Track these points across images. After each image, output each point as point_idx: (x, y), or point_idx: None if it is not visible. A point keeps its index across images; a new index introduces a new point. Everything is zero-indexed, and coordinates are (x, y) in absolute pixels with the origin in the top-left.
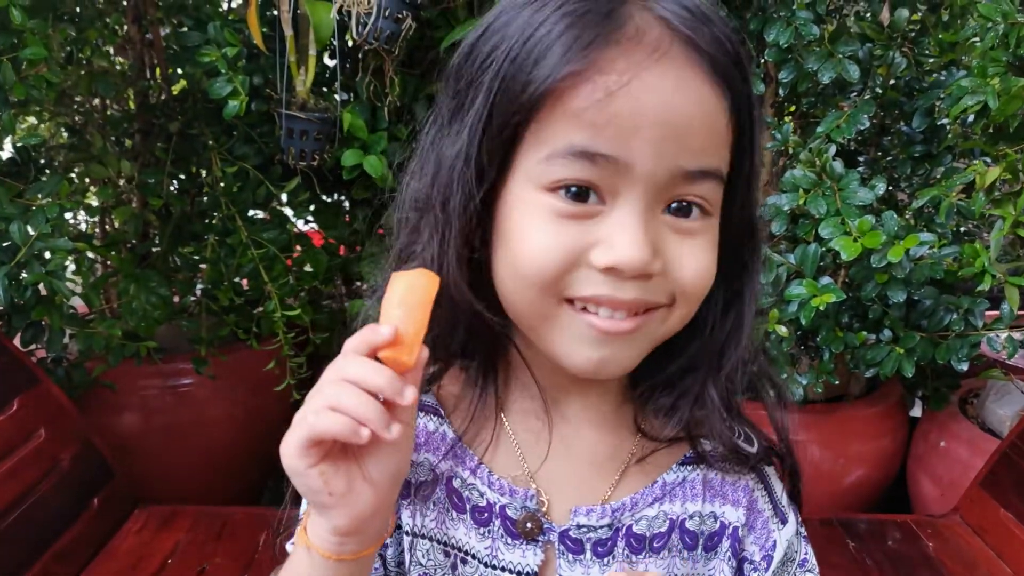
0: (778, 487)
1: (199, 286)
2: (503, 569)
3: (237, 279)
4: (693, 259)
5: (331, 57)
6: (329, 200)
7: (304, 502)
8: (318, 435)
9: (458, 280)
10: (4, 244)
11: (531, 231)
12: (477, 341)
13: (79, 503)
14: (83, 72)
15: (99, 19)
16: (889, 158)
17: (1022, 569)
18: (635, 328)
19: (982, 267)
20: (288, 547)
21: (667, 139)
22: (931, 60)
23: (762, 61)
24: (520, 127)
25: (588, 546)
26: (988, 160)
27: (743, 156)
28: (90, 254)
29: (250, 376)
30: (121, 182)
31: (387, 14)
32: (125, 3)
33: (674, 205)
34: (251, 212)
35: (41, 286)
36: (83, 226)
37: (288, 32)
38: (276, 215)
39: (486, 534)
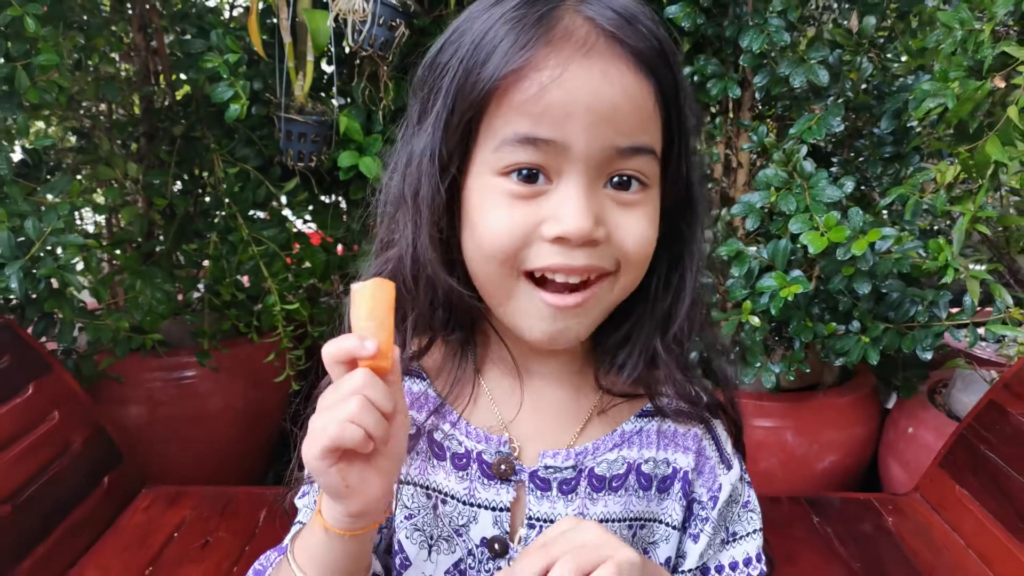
0: (724, 437)
1: (202, 283)
2: (479, 506)
3: (238, 276)
4: (634, 227)
5: (328, 63)
6: (326, 200)
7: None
8: (337, 445)
9: (432, 261)
10: (18, 240)
11: (490, 212)
12: (455, 315)
13: (90, 482)
14: (91, 78)
15: (106, 27)
16: (861, 159)
17: (974, 541)
18: (583, 301)
19: (945, 261)
20: (296, 502)
21: (598, 122)
22: (896, 65)
23: (739, 67)
24: (474, 122)
25: (555, 484)
26: (952, 160)
27: (673, 135)
28: (98, 252)
29: (250, 369)
30: (127, 183)
31: (381, 22)
32: (131, 12)
33: (615, 179)
34: (252, 211)
35: (53, 280)
36: (90, 227)
37: (287, 39)
38: (275, 214)
39: (464, 477)
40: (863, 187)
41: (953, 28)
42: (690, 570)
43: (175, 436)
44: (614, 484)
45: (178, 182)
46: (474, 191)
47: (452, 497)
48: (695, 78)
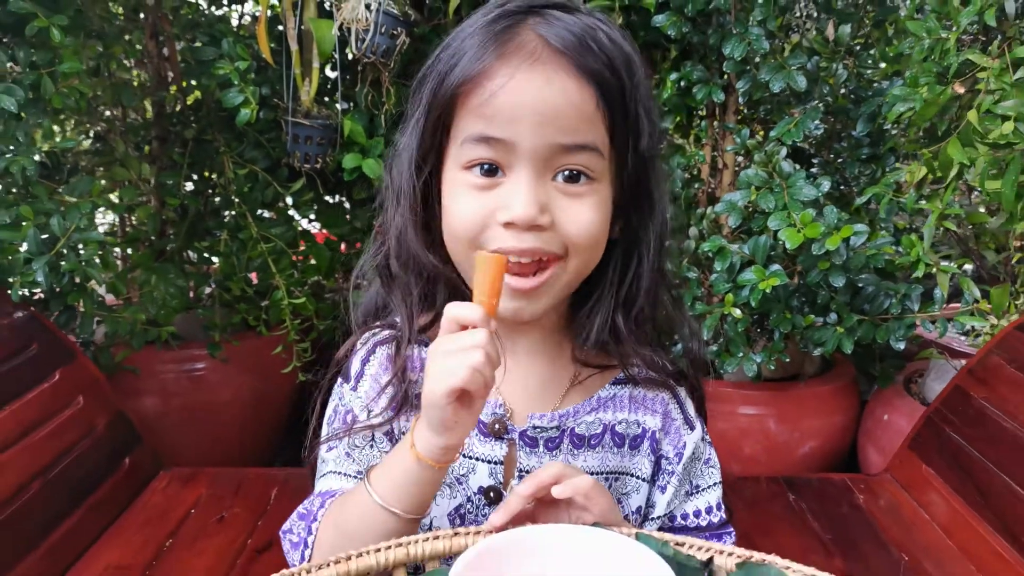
0: (687, 403)
1: (212, 278)
2: (477, 459)
3: (247, 272)
4: (579, 215)
5: (333, 69)
6: (331, 200)
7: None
8: (464, 387)
9: (415, 243)
10: (43, 237)
11: (456, 200)
12: (452, 295)
13: (112, 463)
14: (108, 84)
15: (122, 36)
16: (840, 160)
17: (937, 515)
18: (538, 285)
19: (917, 257)
20: (325, 454)
21: (542, 122)
22: (869, 72)
23: (723, 73)
24: (443, 123)
25: (541, 442)
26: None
27: (619, 134)
28: (114, 250)
29: (258, 361)
30: (141, 184)
31: (383, 30)
32: (143, 20)
33: (567, 172)
34: (260, 211)
35: (75, 276)
36: (103, 227)
37: (294, 47)
38: (282, 214)
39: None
40: (842, 187)
41: (921, 37)
42: (658, 517)
43: (187, 425)
44: (592, 442)
45: (189, 183)
46: (447, 183)
47: (456, 457)
48: (682, 83)
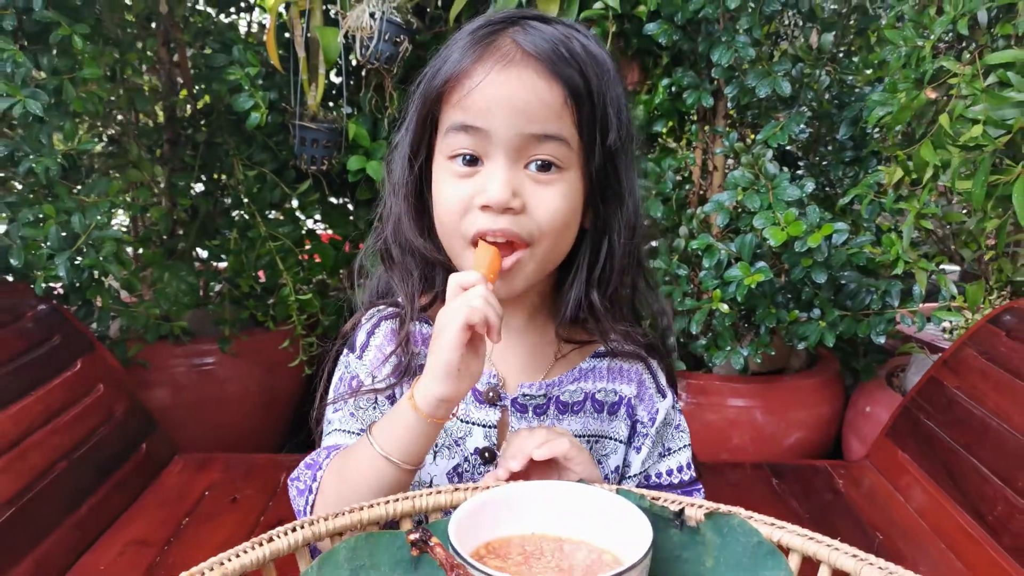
0: (659, 373)
1: (222, 276)
2: (473, 423)
3: (256, 270)
4: (547, 200)
5: (338, 75)
6: (336, 201)
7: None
8: (469, 322)
9: (410, 229)
10: (63, 234)
11: (442, 189)
12: (447, 275)
13: (129, 447)
14: (123, 89)
15: (136, 43)
16: (825, 163)
17: (911, 497)
18: (511, 266)
19: (897, 254)
20: (331, 415)
21: (513, 114)
22: (851, 78)
23: (712, 79)
24: (431, 118)
25: (530, 408)
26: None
27: (587, 128)
28: (128, 249)
29: (266, 356)
30: (153, 186)
31: (387, 38)
32: (155, 28)
33: (538, 162)
34: (267, 211)
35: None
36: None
37: (301, 54)
38: (289, 214)
39: (461, 401)
40: (827, 188)
41: (899, 45)
42: (634, 475)
43: (197, 417)
44: (575, 408)
45: (199, 184)
46: (435, 172)
47: (452, 416)
48: (673, 89)
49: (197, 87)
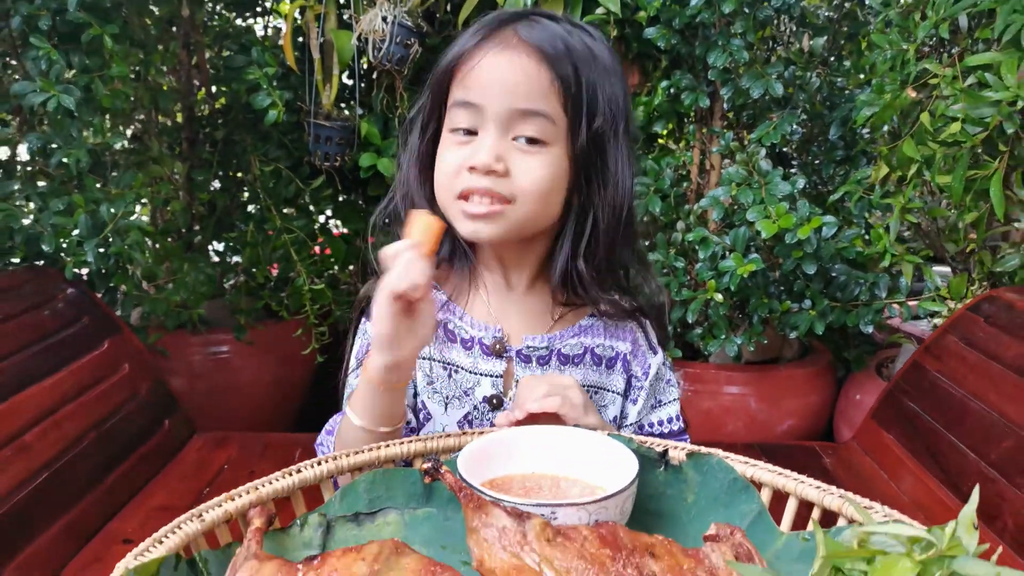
0: (651, 332)
1: (239, 266)
2: (481, 374)
3: (271, 262)
4: (530, 169)
5: (350, 78)
6: (347, 198)
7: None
8: (395, 290)
9: (418, 190)
10: (91, 223)
11: (443, 155)
12: (453, 242)
13: (153, 423)
14: (146, 89)
15: (159, 45)
16: (817, 162)
17: (894, 474)
18: (488, 213)
19: (884, 248)
20: (351, 381)
21: (504, 91)
22: (840, 80)
23: (709, 81)
24: (440, 96)
25: (534, 359)
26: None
27: (573, 110)
28: (148, 241)
29: (280, 345)
30: (174, 181)
31: (398, 40)
32: (175, 31)
33: (526, 136)
34: (282, 207)
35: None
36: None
37: (316, 55)
38: (303, 208)
39: (470, 354)
40: (819, 186)
41: (885, 48)
42: (630, 425)
43: (212, 404)
44: (575, 361)
45: (217, 181)
46: (441, 143)
47: (462, 368)
48: (671, 91)
49: (216, 88)
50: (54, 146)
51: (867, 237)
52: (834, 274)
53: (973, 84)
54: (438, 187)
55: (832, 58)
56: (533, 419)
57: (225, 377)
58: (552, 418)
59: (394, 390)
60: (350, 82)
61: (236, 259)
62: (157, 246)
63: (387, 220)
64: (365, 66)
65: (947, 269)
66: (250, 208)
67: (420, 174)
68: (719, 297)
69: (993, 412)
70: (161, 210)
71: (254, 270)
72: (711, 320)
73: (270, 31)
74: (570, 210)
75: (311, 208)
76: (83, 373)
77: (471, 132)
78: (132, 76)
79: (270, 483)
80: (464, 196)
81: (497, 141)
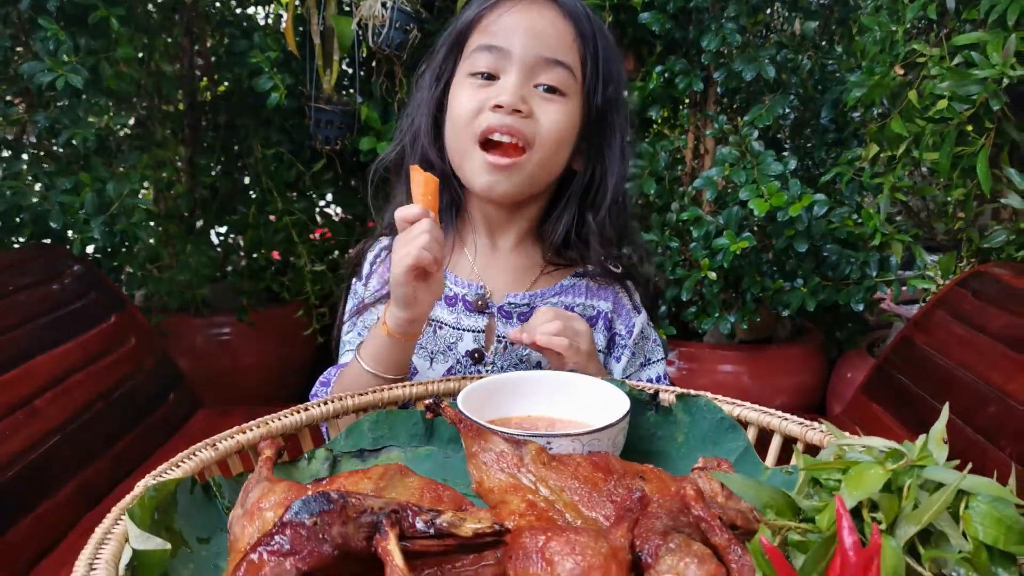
0: (634, 293)
1: (241, 248)
2: (464, 329)
3: (273, 244)
4: (550, 113)
5: (351, 61)
6: (346, 184)
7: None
8: (417, 264)
9: (426, 136)
10: (98, 202)
11: (460, 97)
12: (449, 196)
13: (159, 395)
14: (150, 74)
15: (162, 31)
16: (809, 145)
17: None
18: (512, 164)
19: (875, 227)
20: (344, 337)
21: (531, 38)
22: (831, 63)
23: (703, 65)
24: (458, 45)
25: (515, 315)
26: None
27: (590, 67)
28: (151, 223)
29: (280, 328)
30: (177, 164)
31: (397, 26)
32: (178, 19)
33: (545, 86)
34: (283, 191)
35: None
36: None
37: (317, 41)
38: (304, 191)
39: (453, 310)
40: (812, 169)
41: (874, 30)
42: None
43: (215, 384)
44: None
45: (219, 166)
46: (454, 89)
47: (445, 324)
48: (666, 75)
49: (218, 74)
50: (60, 126)
51: (859, 220)
52: (825, 253)
53: (960, 63)
54: (454, 128)
55: (824, 42)
56: (535, 346)
57: (227, 358)
58: (552, 356)
59: (408, 341)
60: (350, 70)
61: (239, 241)
62: (161, 229)
63: (387, 169)
64: (365, 52)
65: (934, 258)
66: (252, 192)
67: (430, 123)
68: (712, 275)
69: (979, 381)
70: (164, 194)
71: (255, 255)
72: (705, 299)
73: (271, 20)
74: (571, 173)
75: (312, 192)
76: (91, 345)
77: (491, 77)
78: (136, 60)
79: (279, 419)
80: (485, 139)
81: (522, 84)
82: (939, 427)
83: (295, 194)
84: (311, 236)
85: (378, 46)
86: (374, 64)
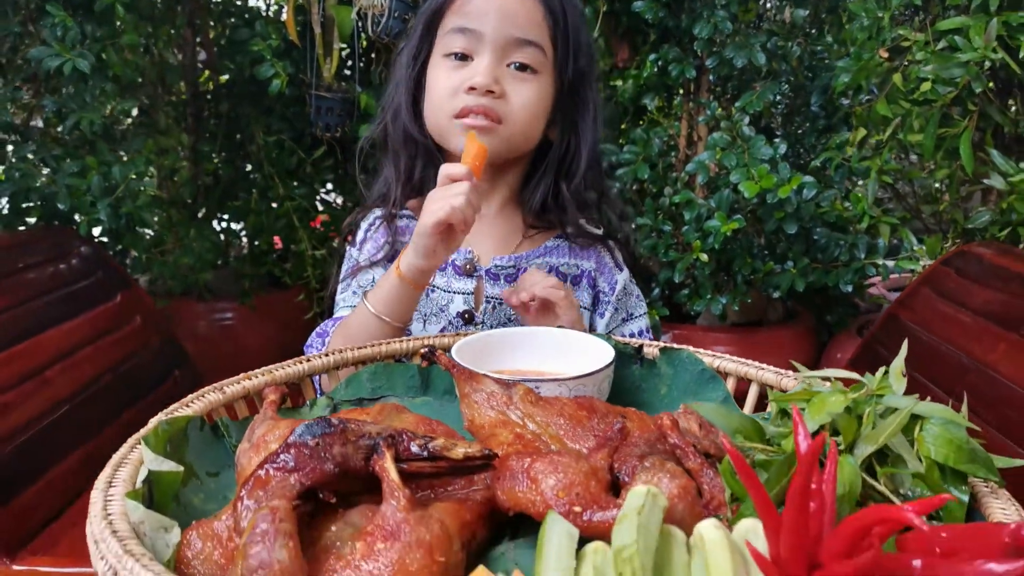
0: (616, 252)
1: (243, 232)
2: (454, 292)
3: (275, 230)
4: (521, 93)
5: (350, 50)
6: (346, 172)
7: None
8: (448, 220)
9: (407, 115)
10: (105, 185)
11: (437, 78)
12: (433, 172)
13: (165, 372)
14: (154, 63)
15: (166, 20)
16: (800, 132)
17: None
18: (487, 127)
19: (863, 210)
20: (337, 297)
21: (503, 19)
22: (820, 49)
23: (697, 53)
24: (433, 26)
25: (502, 276)
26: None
27: (560, 44)
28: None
29: (281, 313)
30: (180, 151)
31: (396, 15)
32: (180, 9)
33: (517, 64)
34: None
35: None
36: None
37: (317, 30)
38: (305, 178)
39: (444, 275)
40: (802, 155)
41: (860, 16)
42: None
43: (217, 368)
44: None
45: (222, 153)
46: (431, 70)
47: (437, 287)
48: (659, 63)
49: (220, 63)
50: (67, 110)
51: (847, 204)
52: (815, 237)
53: (944, 48)
54: (432, 108)
55: (813, 31)
56: (523, 308)
57: (230, 342)
58: (543, 315)
59: (417, 288)
60: (350, 59)
61: (240, 229)
62: (165, 215)
63: (372, 145)
64: (364, 42)
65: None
66: (254, 177)
67: (410, 101)
68: (704, 257)
69: (961, 354)
70: (168, 181)
71: (256, 242)
72: (697, 281)
73: (272, 11)
74: (548, 144)
75: (313, 178)
76: (98, 321)
77: (465, 57)
78: (141, 49)
79: (283, 368)
80: (461, 115)
81: (494, 65)
82: (898, 362)
83: (296, 181)
84: (312, 224)
85: (377, 35)
86: (373, 53)
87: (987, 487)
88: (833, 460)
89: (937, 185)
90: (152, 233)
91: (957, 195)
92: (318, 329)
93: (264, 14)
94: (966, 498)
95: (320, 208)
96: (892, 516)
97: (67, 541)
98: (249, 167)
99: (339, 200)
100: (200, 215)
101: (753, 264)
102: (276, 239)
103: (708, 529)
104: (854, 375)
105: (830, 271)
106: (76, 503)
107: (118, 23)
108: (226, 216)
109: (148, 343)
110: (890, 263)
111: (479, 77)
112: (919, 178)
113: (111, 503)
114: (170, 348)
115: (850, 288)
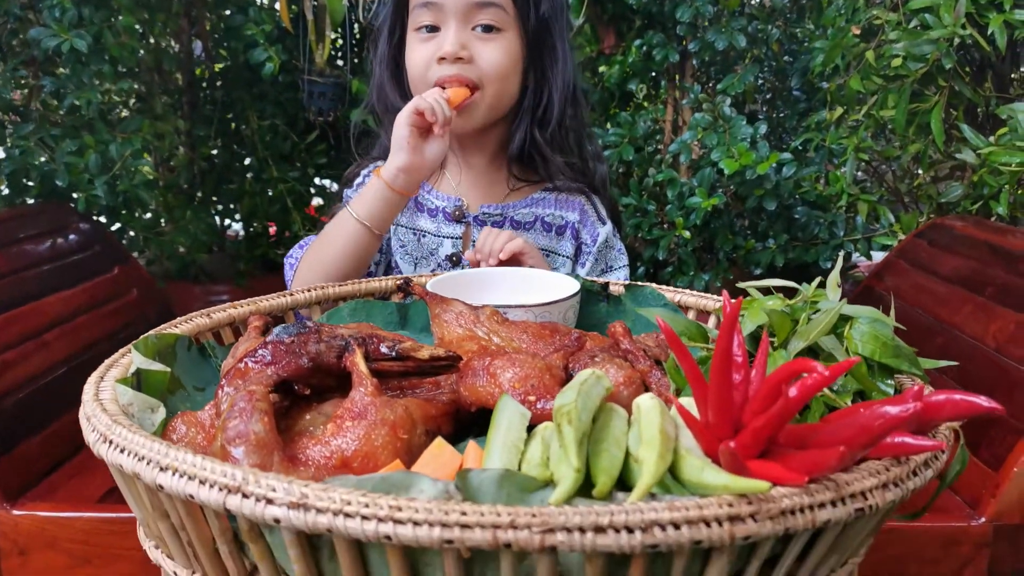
0: (599, 206)
1: (239, 214)
2: (444, 237)
3: (269, 212)
4: (491, 53)
5: (342, 36)
6: (339, 156)
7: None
8: (419, 108)
9: (391, 89)
10: (102, 163)
11: (412, 52)
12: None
13: None
14: (150, 49)
15: (162, 9)
16: (782, 115)
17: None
18: (467, 105)
19: (841, 189)
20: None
21: None
22: (798, 31)
23: (681, 39)
24: (402, 1)
25: (489, 223)
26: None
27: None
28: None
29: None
30: (176, 137)
31: (385, 2)
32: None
33: (481, 26)
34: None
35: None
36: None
37: (309, 16)
38: (299, 161)
39: (434, 221)
40: (784, 138)
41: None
42: None
43: None
44: (527, 227)
45: (218, 139)
46: (408, 43)
47: (428, 232)
48: (644, 49)
49: (215, 50)
50: (65, 91)
51: (827, 185)
52: (795, 215)
53: (916, 26)
54: (412, 80)
55: (793, 15)
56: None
57: None
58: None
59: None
60: (342, 47)
61: (236, 214)
62: (161, 199)
63: (364, 121)
64: (356, 29)
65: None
66: (248, 160)
67: (391, 75)
68: (687, 234)
69: (930, 318)
70: (164, 166)
71: (252, 227)
72: (680, 258)
73: (265, 1)
74: (526, 93)
75: (306, 162)
76: (96, 291)
77: (434, 28)
78: (139, 33)
79: (267, 300)
80: (438, 86)
81: (459, 32)
82: (834, 274)
83: (290, 165)
84: (307, 211)
85: (368, 21)
86: (364, 40)
87: (911, 381)
88: (764, 351)
89: (911, 160)
90: (149, 215)
91: (931, 171)
92: (301, 242)
93: (258, 2)
94: (892, 392)
95: (314, 192)
96: (801, 367)
97: (65, 490)
98: (244, 152)
99: (334, 187)
100: (197, 199)
101: (735, 241)
102: (271, 225)
103: (644, 399)
104: (794, 284)
105: (810, 248)
106: (74, 458)
107: (115, 6)
108: (222, 200)
109: (145, 315)
110: (869, 236)
111: (446, 47)
112: (895, 156)
113: (103, 390)
114: (167, 320)
115: (829, 264)
